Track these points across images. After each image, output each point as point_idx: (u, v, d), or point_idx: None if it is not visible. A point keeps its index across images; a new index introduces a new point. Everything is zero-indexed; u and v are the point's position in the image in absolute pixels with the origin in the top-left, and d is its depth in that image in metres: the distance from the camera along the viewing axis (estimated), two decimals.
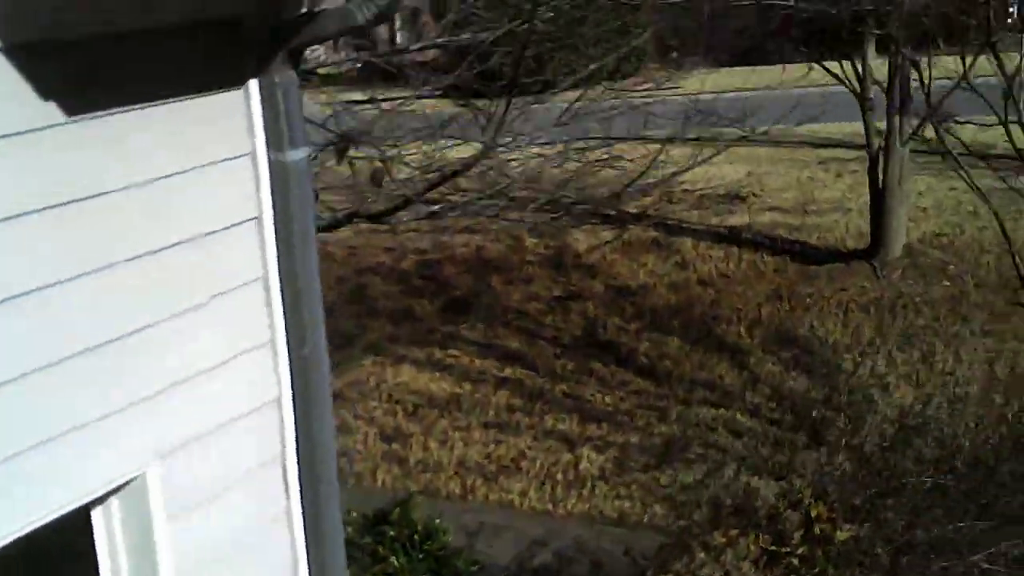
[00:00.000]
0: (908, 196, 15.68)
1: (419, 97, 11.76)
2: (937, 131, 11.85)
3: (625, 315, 15.49)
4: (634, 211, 21.23)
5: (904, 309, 13.85)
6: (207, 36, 3.27)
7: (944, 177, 15.80)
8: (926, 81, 12.45)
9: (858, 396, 11.73)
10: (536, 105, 12.39)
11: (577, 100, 12.71)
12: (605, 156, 14.77)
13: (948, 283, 14.34)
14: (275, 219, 3.49)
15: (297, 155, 3.45)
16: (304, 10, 3.30)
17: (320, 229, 9.30)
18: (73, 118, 2.89)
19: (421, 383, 13.99)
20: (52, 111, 2.84)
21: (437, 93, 11.19)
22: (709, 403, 12.21)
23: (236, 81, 3.36)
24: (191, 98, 3.25)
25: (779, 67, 18.39)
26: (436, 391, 13.62)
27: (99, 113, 2.97)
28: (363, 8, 3.14)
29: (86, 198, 2.96)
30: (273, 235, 3.50)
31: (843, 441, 9.87)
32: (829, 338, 13.46)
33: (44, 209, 2.84)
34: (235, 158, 3.39)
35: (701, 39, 17.44)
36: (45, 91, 2.81)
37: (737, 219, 19.36)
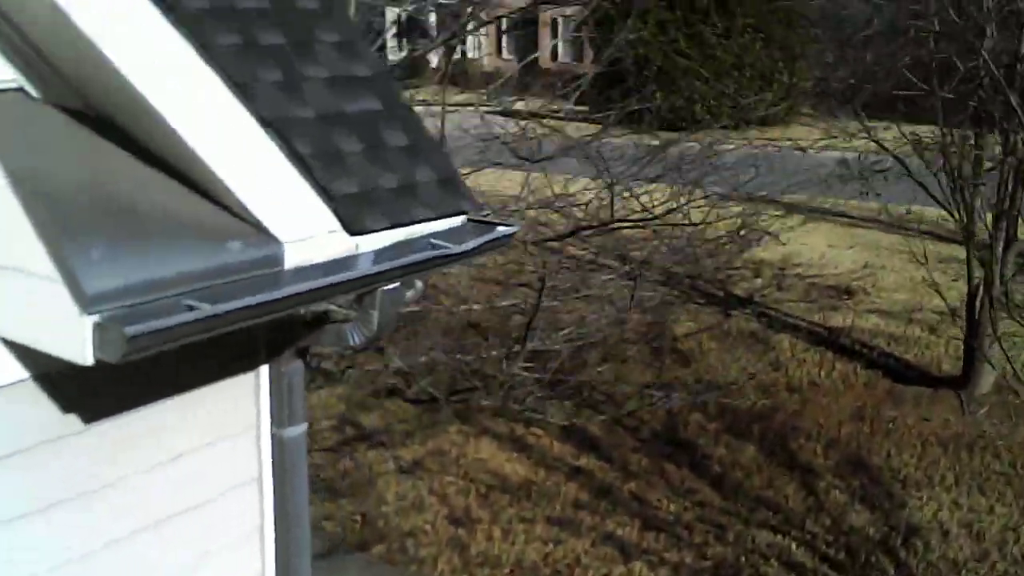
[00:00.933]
0: (1005, 330, 15.52)
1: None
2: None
3: (708, 412, 15.73)
4: (741, 294, 21.43)
5: (983, 450, 13.82)
6: (230, 336, 3.81)
7: None
8: None
9: (914, 542, 11.81)
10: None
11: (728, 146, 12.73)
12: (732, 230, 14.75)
13: None
14: (273, 480, 4.03)
15: (295, 431, 3.99)
16: (310, 319, 3.84)
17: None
18: (90, 425, 3.46)
19: (498, 462, 14.47)
20: (72, 421, 3.41)
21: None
22: (769, 526, 12.40)
23: (249, 368, 3.91)
24: (209, 384, 3.82)
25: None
26: (511, 474, 14.08)
27: (120, 414, 3.54)
28: (354, 333, 3.66)
29: (102, 487, 3.53)
30: (271, 492, 4.05)
31: None
32: (902, 470, 13.51)
33: (62, 502, 3.42)
34: (242, 433, 3.94)
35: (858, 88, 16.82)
36: (65, 407, 3.38)
37: (840, 318, 19.39)
